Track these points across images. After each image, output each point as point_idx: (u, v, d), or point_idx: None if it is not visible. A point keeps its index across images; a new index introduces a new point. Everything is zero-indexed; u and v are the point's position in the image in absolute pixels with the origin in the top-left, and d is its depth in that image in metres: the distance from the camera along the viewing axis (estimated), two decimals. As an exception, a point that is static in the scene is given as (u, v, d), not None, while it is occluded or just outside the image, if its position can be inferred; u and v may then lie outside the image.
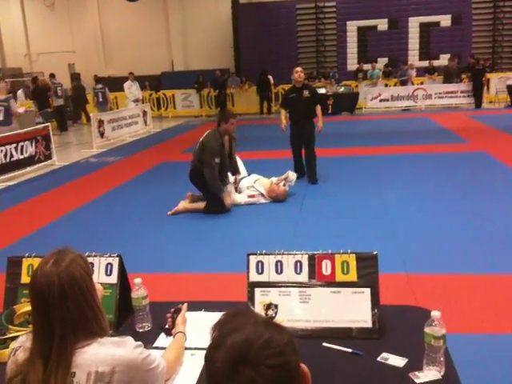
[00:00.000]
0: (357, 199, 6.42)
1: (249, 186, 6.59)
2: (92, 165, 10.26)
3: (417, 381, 1.70)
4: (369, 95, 17.00)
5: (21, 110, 11.22)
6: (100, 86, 15.38)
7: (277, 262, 2.17)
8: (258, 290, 2.15)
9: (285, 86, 14.34)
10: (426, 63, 18.24)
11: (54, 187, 8.27)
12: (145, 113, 15.30)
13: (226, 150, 6.27)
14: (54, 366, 1.35)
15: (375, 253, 2.13)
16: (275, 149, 9.55)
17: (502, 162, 8.06)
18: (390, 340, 1.96)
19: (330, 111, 15.84)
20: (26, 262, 2.32)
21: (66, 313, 1.38)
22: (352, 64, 19.46)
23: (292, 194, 6.71)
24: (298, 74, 7.41)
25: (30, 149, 9.65)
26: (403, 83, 17.24)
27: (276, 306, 2.12)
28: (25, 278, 2.27)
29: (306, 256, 2.16)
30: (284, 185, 6.61)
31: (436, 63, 18.11)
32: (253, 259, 2.19)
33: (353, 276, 2.10)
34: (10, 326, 2.02)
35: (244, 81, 18.61)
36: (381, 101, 16.96)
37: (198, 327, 2.05)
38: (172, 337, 1.99)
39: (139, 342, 1.49)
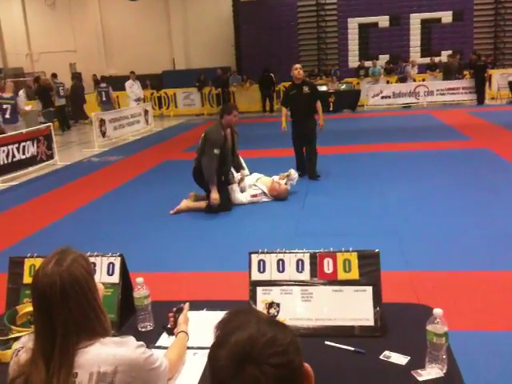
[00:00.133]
0: (359, 197, 6.41)
1: (251, 184, 6.58)
2: (94, 164, 10.26)
3: (419, 379, 1.70)
4: (370, 92, 16.97)
5: (28, 107, 11.39)
6: (104, 84, 15.41)
7: (278, 260, 2.17)
8: (259, 289, 2.15)
9: (286, 83, 14.31)
10: (427, 60, 18.20)
11: (56, 187, 8.28)
12: (146, 112, 15.31)
13: (228, 143, 6.25)
14: (56, 367, 1.35)
15: (377, 251, 2.12)
16: (277, 147, 9.54)
17: (505, 159, 8.02)
18: (393, 338, 1.96)
19: (331, 109, 15.83)
20: (27, 263, 2.32)
21: (68, 313, 1.38)
22: (353, 61, 19.41)
23: (294, 192, 6.70)
24: (298, 70, 7.47)
25: (31, 149, 9.67)
26: (402, 80, 17.22)
27: (278, 305, 2.12)
28: (27, 279, 2.27)
29: (308, 254, 2.16)
30: (286, 183, 6.61)
31: (438, 60, 18.06)
32: (254, 258, 2.19)
33: (355, 274, 2.10)
34: (12, 327, 2.03)
35: (245, 79, 18.60)
36: (382, 98, 16.93)
37: (200, 326, 2.05)
38: (174, 336, 1.99)
39: (141, 342, 1.49)
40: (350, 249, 2.15)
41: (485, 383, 2.62)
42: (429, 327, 1.74)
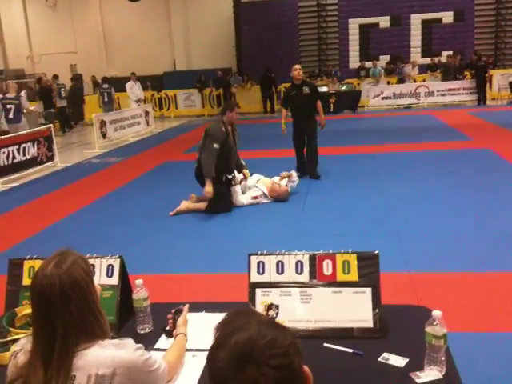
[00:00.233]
0: (359, 198, 6.41)
1: (251, 186, 6.58)
2: (94, 165, 10.27)
3: (418, 381, 1.69)
4: (371, 93, 16.97)
5: (32, 107, 11.52)
6: (106, 85, 15.46)
7: (278, 262, 2.17)
8: (259, 291, 2.15)
9: (286, 84, 14.31)
10: (428, 60, 18.19)
11: (56, 188, 8.28)
12: (147, 113, 15.32)
13: (231, 138, 6.26)
14: (55, 370, 1.35)
15: (376, 252, 2.12)
16: (278, 148, 9.54)
17: (506, 160, 8.01)
18: (391, 340, 1.96)
19: (332, 109, 15.82)
20: (27, 264, 2.32)
21: (68, 315, 1.38)
22: (354, 62, 19.42)
23: (294, 192, 6.70)
24: (297, 71, 7.51)
25: (32, 150, 9.68)
26: (400, 81, 17.24)
27: (277, 307, 2.12)
28: (26, 280, 2.26)
29: (307, 256, 2.16)
30: (286, 185, 6.61)
31: (437, 60, 18.03)
32: (254, 259, 2.19)
33: (354, 276, 2.10)
34: (11, 329, 2.03)
35: (246, 80, 18.61)
36: (383, 98, 16.94)
37: (199, 328, 2.05)
38: (173, 338, 1.99)
39: (140, 344, 1.49)
40: (349, 250, 2.14)
41: (485, 385, 2.61)
42: (427, 329, 1.74)
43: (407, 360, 1.80)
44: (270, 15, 19.62)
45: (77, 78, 18.95)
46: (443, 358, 1.72)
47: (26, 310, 2.09)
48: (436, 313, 1.74)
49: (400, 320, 2.09)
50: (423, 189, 6.63)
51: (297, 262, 2.16)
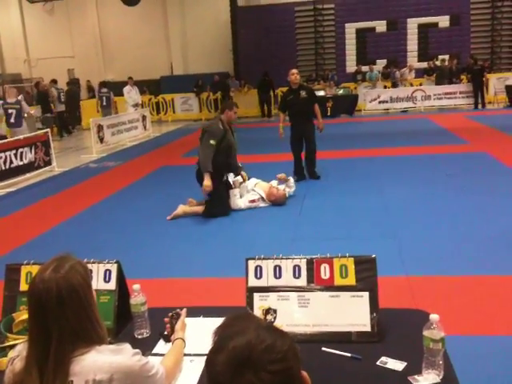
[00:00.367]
0: (356, 202, 6.41)
1: (249, 189, 6.59)
2: (92, 170, 10.26)
3: (416, 385, 1.69)
4: (368, 97, 17.01)
5: (32, 111, 11.59)
6: (105, 90, 15.47)
7: (275, 266, 2.17)
8: (256, 295, 2.15)
9: (283, 88, 14.33)
10: (424, 64, 18.25)
11: (53, 193, 8.27)
12: (144, 117, 15.32)
13: (230, 135, 6.27)
14: (50, 375, 1.34)
15: (373, 256, 2.12)
16: (276, 152, 9.54)
17: (503, 163, 8.03)
18: (389, 344, 1.95)
19: (329, 113, 15.84)
20: (24, 270, 2.31)
21: (64, 320, 1.38)
22: (351, 66, 19.47)
23: (291, 196, 6.71)
24: (294, 75, 7.58)
25: (29, 155, 9.67)
26: (394, 85, 17.31)
27: (275, 311, 2.11)
28: (23, 286, 2.26)
29: (305, 260, 2.16)
30: (284, 189, 6.61)
31: (432, 64, 18.09)
32: (251, 264, 2.19)
33: (351, 280, 2.10)
34: (8, 334, 2.02)
35: (243, 84, 18.64)
36: (380, 102, 16.97)
37: (197, 333, 2.05)
38: (171, 343, 1.98)
39: (137, 350, 1.49)
40: (347, 254, 2.14)
41: (483, 388, 2.61)
42: (425, 333, 1.74)
43: (405, 364, 1.80)
44: (267, 19, 19.67)
45: (73, 83, 18.94)
46: (441, 362, 1.73)
47: (23, 315, 2.08)
48: (434, 316, 1.74)
49: (398, 324, 2.09)
50: (420, 192, 6.64)
51: (294, 267, 2.16)
